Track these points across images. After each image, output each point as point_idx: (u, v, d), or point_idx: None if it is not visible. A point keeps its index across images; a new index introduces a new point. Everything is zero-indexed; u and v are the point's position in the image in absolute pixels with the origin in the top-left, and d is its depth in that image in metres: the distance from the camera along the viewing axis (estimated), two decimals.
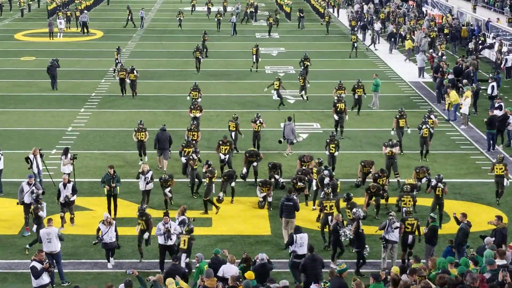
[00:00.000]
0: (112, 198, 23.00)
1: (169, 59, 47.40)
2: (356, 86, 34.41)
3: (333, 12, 67.68)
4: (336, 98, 32.02)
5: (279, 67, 44.89)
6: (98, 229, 19.43)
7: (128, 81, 36.90)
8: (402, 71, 44.24)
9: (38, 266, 17.03)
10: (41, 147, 25.69)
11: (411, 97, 38.21)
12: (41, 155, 24.90)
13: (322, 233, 21.31)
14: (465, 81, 36.10)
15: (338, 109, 30.97)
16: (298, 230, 19.00)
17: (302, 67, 39.66)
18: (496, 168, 24.35)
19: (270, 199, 23.67)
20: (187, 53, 48.38)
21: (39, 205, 20.71)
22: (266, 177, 25.20)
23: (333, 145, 26.34)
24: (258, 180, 24.90)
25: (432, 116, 29.01)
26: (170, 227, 18.99)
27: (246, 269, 16.88)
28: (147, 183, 23.23)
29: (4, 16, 65.70)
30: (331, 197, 21.43)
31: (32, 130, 32.27)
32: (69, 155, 24.90)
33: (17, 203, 22.03)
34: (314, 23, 61.78)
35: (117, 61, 41.36)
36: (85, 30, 56.83)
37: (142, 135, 27.41)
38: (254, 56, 44.07)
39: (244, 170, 26.01)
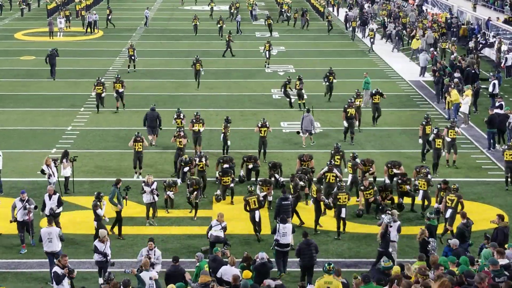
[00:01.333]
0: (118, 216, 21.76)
1: (169, 58, 47.35)
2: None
3: (333, 11, 67.61)
4: (347, 103, 30.61)
5: (279, 66, 44.84)
6: (96, 248, 18.40)
7: (117, 91, 34.43)
8: (403, 70, 44.19)
9: (60, 271, 16.77)
10: (51, 156, 25.12)
11: (411, 96, 38.18)
12: (55, 162, 24.31)
13: (338, 227, 21.77)
14: (456, 78, 35.97)
15: (349, 115, 30.08)
16: (283, 220, 19.25)
17: (327, 83, 36.73)
18: (506, 154, 25.24)
19: (270, 198, 23.64)
20: (188, 52, 48.41)
21: (98, 203, 20.55)
22: (266, 176, 25.20)
23: (338, 157, 25.33)
24: (258, 179, 24.86)
25: (456, 128, 27.78)
26: (154, 255, 17.78)
27: (246, 268, 16.87)
28: (152, 195, 22.35)
29: (4, 16, 65.68)
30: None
31: (31, 129, 32.22)
32: (68, 157, 24.85)
33: (10, 221, 20.98)
34: (315, 22, 61.60)
35: (133, 57, 42.92)
36: (91, 30, 56.79)
37: (140, 145, 26.26)
38: (267, 52, 44.80)
39: (242, 172, 25.94)
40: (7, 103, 36.45)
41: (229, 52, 47.65)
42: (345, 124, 30.27)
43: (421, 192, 23.34)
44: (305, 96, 34.75)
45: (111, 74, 42.40)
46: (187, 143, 27.02)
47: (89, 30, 56.82)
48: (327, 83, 36.27)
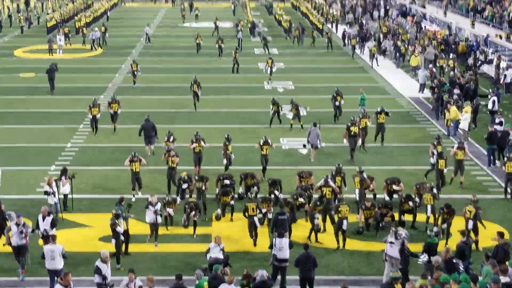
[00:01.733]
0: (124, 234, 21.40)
1: (168, 75, 47.37)
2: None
3: (332, 27, 67.75)
4: (350, 121, 30.18)
5: (279, 83, 44.86)
6: (98, 269, 18.08)
7: (111, 111, 33.94)
8: (402, 86, 44.21)
9: None
10: (51, 173, 24.98)
11: (411, 112, 38.19)
12: (56, 182, 24.11)
13: (336, 236, 21.82)
14: (455, 94, 36.00)
15: (352, 133, 29.65)
16: (280, 234, 19.27)
17: (335, 103, 35.62)
18: (508, 166, 25.58)
19: (270, 216, 23.53)
20: (187, 69, 48.50)
21: (116, 220, 20.45)
22: (266, 193, 25.15)
23: (339, 178, 24.96)
24: (258, 196, 24.79)
25: (465, 146, 27.54)
26: (134, 286, 17.23)
27: (246, 286, 16.81)
28: (156, 216, 22.02)
29: (4, 33, 65.84)
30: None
31: (31, 146, 32.17)
32: (67, 174, 24.78)
33: (4, 244, 20.63)
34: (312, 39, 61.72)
35: (135, 72, 43.11)
36: (95, 47, 56.92)
37: (137, 165, 25.75)
38: (269, 68, 45.05)
39: (241, 189, 25.88)
40: (6, 120, 36.43)
41: (230, 68, 47.71)
42: (345, 142, 29.95)
43: (429, 207, 23.14)
44: (302, 112, 34.60)
45: (111, 90, 42.47)
46: (179, 161, 26.69)
47: (88, 46, 56.88)
48: (335, 104, 35.55)
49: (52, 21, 65.75)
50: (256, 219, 22.37)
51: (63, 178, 24.73)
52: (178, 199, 24.68)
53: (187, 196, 25.22)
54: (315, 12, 72.75)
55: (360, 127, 30.63)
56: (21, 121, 36.31)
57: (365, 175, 24.80)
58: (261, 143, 27.76)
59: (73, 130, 34.40)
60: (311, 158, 30.12)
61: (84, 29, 60.37)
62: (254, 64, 50.84)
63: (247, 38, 62.96)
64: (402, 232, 19.28)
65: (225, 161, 27.89)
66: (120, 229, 20.45)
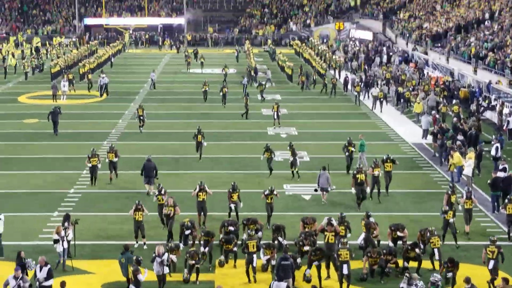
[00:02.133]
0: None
1: (172, 121, 47.50)
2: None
3: (335, 74, 68.06)
4: (356, 168, 30.11)
5: (282, 129, 44.95)
6: None
7: (111, 162, 33.37)
8: (405, 132, 44.27)
9: None
10: (54, 219, 24.69)
11: (414, 158, 38.17)
12: (66, 231, 23.81)
13: (340, 282, 21.82)
14: (459, 140, 36.01)
15: (359, 181, 29.37)
16: (280, 278, 19.23)
17: (347, 153, 34.89)
18: (509, 208, 25.79)
19: (273, 262, 23.38)
20: (190, 115, 48.71)
21: (138, 267, 20.32)
22: (269, 239, 25.02)
23: (343, 228, 24.48)
24: (261, 242, 24.64)
25: (473, 197, 27.14)
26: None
27: None
28: (163, 267, 21.71)
29: (8, 79, 66.26)
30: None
31: (33, 192, 32.13)
32: (70, 221, 24.70)
33: None
34: (317, 85, 61.98)
35: (141, 117, 43.38)
36: (103, 92, 57.14)
37: (140, 215, 25.43)
38: (275, 113, 45.25)
39: (245, 236, 25.72)
40: (9, 166, 36.45)
41: (233, 114, 47.85)
42: (353, 190, 29.58)
43: (436, 251, 23.23)
44: (298, 164, 34.28)
45: (114, 136, 42.60)
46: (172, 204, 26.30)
47: (92, 92, 57.15)
48: (347, 154, 34.84)
49: (56, 67, 66.21)
50: (255, 256, 22.59)
51: (66, 224, 24.65)
52: (181, 245, 24.55)
53: (190, 242, 25.14)
54: (318, 58, 73.17)
55: (376, 174, 30.37)
56: (24, 167, 36.32)
57: (372, 219, 24.77)
58: (266, 193, 27.58)
59: (76, 176, 34.37)
60: (323, 201, 30.34)
61: (89, 75, 60.61)
62: (257, 110, 51.00)
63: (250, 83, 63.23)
64: (419, 282, 19.17)
65: (232, 207, 27.73)
66: (142, 277, 20.29)
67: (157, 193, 27.61)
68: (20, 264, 21.41)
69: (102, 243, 25.95)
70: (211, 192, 27.79)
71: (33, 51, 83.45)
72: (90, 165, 32.63)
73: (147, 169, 31.33)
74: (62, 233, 23.47)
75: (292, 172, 33.82)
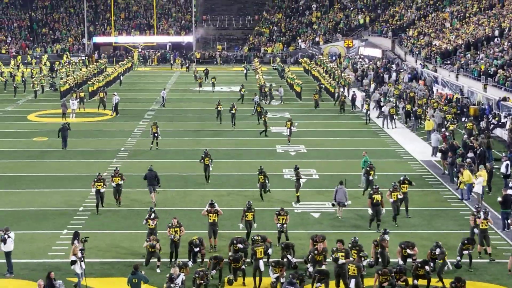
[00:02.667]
0: None
1: (180, 139, 47.53)
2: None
3: (343, 91, 68.05)
4: (372, 189, 29.68)
5: (291, 146, 44.90)
6: None
7: (113, 184, 32.61)
8: (415, 150, 44.14)
9: None
10: (81, 246, 24.58)
11: (423, 175, 38.03)
12: (82, 251, 23.66)
13: None
14: (469, 158, 35.87)
15: (375, 201, 28.84)
16: None
17: (366, 177, 33.91)
18: None
19: (283, 280, 23.31)
20: (198, 133, 48.79)
21: (171, 285, 20.38)
22: (278, 257, 24.96)
23: (355, 251, 24.25)
24: (270, 260, 24.57)
25: (489, 217, 26.66)
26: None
27: None
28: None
29: (18, 97, 66.54)
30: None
31: (43, 210, 32.14)
32: (79, 238, 24.69)
33: None
34: (326, 103, 61.96)
35: (156, 134, 43.79)
36: (116, 111, 57.26)
37: (153, 248, 25.08)
38: (288, 129, 45.43)
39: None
40: (19, 184, 36.50)
41: (243, 132, 47.82)
42: (370, 211, 29.13)
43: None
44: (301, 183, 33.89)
45: (123, 153, 42.63)
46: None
47: (101, 110, 57.30)
48: (366, 177, 33.92)
49: (66, 86, 66.43)
50: (261, 262, 23.28)
51: (75, 242, 24.63)
52: (190, 263, 24.48)
53: (198, 260, 25.11)
54: (327, 76, 73.21)
55: (394, 199, 29.88)
56: (34, 185, 36.37)
57: (387, 237, 24.86)
58: (277, 214, 27.29)
59: (85, 193, 34.36)
60: (339, 215, 30.51)
61: (101, 93, 60.62)
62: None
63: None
64: None
65: (241, 226, 27.45)
66: None
67: (147, 216, 26.91)
68: (49, 285, 21.39)
69: (112, 260, 25.90)
70: (221, 212, 27.51)
71: (47, 70, 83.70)
72: (94, 189, 31.80)
73: (149, 178, 32.45)
74: (79, 254, 23.42)
75: (298, 197, 33.10)
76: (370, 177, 33.46)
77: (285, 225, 27.29)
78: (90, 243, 25.70)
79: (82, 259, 23.42)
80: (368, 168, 33.87)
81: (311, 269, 23.84)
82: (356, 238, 24.99)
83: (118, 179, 32.52)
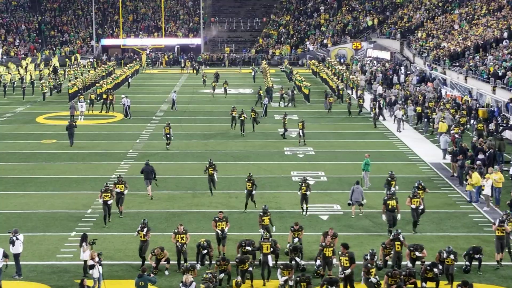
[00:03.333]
0: None
1: (188, 141, 47.50)
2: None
3: (352, 93, 68.01)
4: (387, 195, 29.21)
5: (299, 149, 44.83)
6: None
7: (116, 190, 31.09)
8: (423, 152, 44.01)
9: None
10: (100, 251, 24.46)
11: (432, 178, 37.90)
12: (99, 256, 23.51)
13: None
14: (479, 160, 35.76)
15: (390, 207, 28.33)
16: None
17: (388, 188, 31.80)
18: None
19: (291, 283, 23.25)
20: (206, 135, 48.79)
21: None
22: (286, 259, 24.93)
23: (373, 270, 23.14)
24: (279, 263, 24.52)
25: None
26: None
27: None
28: None
29: (26, 100, 66.65)
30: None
31: (51, 212, 32.16)
32: (87, 241, 24.69)
33: None
34: (334, 105, 61.85)
35: (168, 135, 44.35)
36: (128, 114, 57.19)
37: (161, 254, 24.94)
38: (301, 130, 45.41)
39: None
40: (27, 186, 36.53)
41: (251, 134, 47.73)
42: (384, 217, 28.63)
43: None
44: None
45: (132, 156, 42.61)
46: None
47: (110, 112, 57.35)
48: (387, 188, 32.10)
49: (74, 88, 66.48)
50: (269, 257, 23.72)
51: (83, 244, 24.63)
52: (198, 266, 24.42)
53: (206, 262, 25.07)
54: (335, 78, 73.11)
55: (414, 207, 29.06)
56: (42, 187, 36.39)
57: (401, 237, 24.98)
58: (293, 230, 26.44)
59: (93, 196, 34.32)
60: (356, 213, 30.82)
61: (111, 96, 60.66)
62: (274, 130, 50.96)
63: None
64: None
65: (262, 232, 26.33)
66: None
67: (139, 228, 25.99)
68: None
69: (120, 263, 25.89)
70: (229, 225, 26.96)
71: (50, 71, 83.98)
72: (101, 200, 30.29)
73: (145, 172, 33.92)
74: (97, 258, 23.39)
75: (302, 208, 31.84)
76: (392, 188, 31.60)
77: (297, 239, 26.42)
78: (98, 245, 25.68)
79: (100, 263, 23.41)
80: (389, 179, 32.53)
81: (318, 262, 24.29)
82: (373, 251, 23.79)
83: (122, 187, 31.41)
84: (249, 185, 31.75)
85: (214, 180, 34.61)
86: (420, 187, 30.82)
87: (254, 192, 31.83)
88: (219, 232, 26.40)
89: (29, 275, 24.50)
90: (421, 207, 29.30)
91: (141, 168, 34.53)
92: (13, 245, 24.53)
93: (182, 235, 25.42)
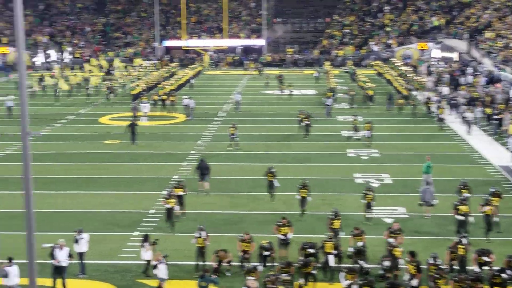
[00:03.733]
0: None
1: (250, 142, 47.19)
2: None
3: (417, 95, 66.97)
4: (458, 199, 28.68)
5: (362, 150, 44.19)
6: None
7: (178, 196, 30.85)
8: (491, 155, 42.90)
9: None
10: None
11: (500, 181, 36.88)
12: (165, 257, 23.55)
13: None
14: None
15: (460, 212, 27.66)
16: None
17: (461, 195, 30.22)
18: None
19: (355, 287, 22.74)
20: (268, 136, 48.51)
21: None
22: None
23: (442, 281, 22.35)
24: (343, 265, 24.04)
25: None
26: None
27: None
28: None
29: (91, 101, 67.39)
30: None
31: (114, 212, 32.27)
32: (149, 241, 24.67)
33: None
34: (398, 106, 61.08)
35: (233, 136, 44.60)
36: (190, 114, 57.31)
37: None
38: (368, 132, 45.43)
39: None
40: (91, 186, 36.77)
41: (311, 135, 47.39)
42: (458, 218, 27.85)
43: None
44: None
45: (194, 157, 42.50)
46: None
47: (172, 113, 57.51)
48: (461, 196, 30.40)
49: (137, 89, 66.92)
50: (331, 257, 24.15)
51: (145, 244, 24.60)
52: (260, 267, 24.07)
53: (268, 264, 24.76)
54: (401, 79, 72.05)
55: (487, 212, 28.21)
56: (105, 187, 36.59)
57: (465, 240, 24.41)
58: (353, 234, 25.78)
59: (155, 196, 34.35)
60: (426, 216, 30.59)
61: (172, 97, 60.96)
62: (336, 131, 50.41)
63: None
64: None
65: (330, 234, 26.24)
66: None
67: (197, 234, 25.52)
68: None
69: (181, 263, 25.74)
70: (293, 230, 26.58)
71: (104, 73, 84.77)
72: (167, 206, 29.85)
73: (201, 168, 34.85)
74: (161, 258, 23.35)
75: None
76: (464, 195, 30.39)
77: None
78: (160, 245, 25.58)
79: (165, 263, 23.30)
80: (461, 186, 31.26)
81: (386, 263, 23.94)
82: (436, 260, 23.21)
83: (181, 190, 31.29)
84: (303, 191, 31.12)
85: (273, 185, 33.89)
86: (496, 193, 29.60)
87: (309, 198, 31.23)
88: (282, 237, 26.06)
89: (93, 274, 24.59)
90: (495, 218, 28.44)
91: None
92: (78, 244, 24.64)
93: (247, 244, 25.13)
